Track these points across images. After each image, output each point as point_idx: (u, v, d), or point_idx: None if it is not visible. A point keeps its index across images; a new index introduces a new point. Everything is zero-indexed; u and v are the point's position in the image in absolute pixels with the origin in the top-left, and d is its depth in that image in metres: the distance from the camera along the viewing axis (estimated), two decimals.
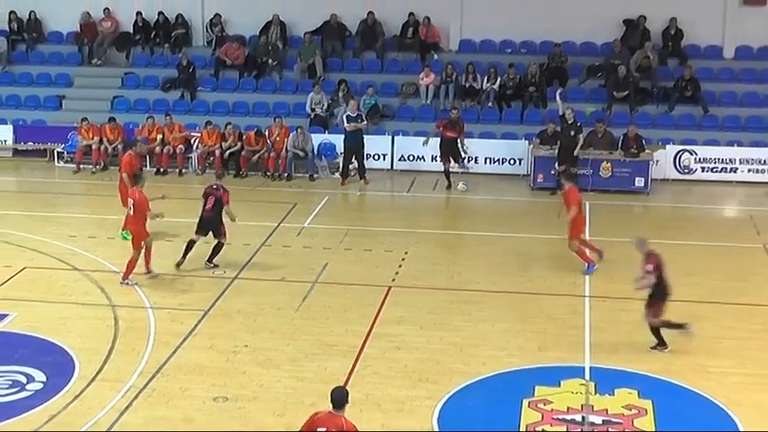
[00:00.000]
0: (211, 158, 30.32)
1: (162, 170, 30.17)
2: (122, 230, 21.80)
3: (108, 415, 15.60)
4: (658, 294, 17.53)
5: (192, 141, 30.75)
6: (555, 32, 33.08)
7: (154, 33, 35.09)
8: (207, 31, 34.95)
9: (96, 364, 17.31)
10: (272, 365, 17.30)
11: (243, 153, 30.00)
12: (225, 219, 21.58)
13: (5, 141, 32.28)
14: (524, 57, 33.22)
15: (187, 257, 21.52)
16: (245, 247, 23.08)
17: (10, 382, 16.63)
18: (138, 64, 34.77)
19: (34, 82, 34.14)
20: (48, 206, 26.76)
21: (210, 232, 21.68)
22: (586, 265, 21.71)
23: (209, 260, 21.75)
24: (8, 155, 32.15)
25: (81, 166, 30.57)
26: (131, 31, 35.17)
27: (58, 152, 31.32)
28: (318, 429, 12.07)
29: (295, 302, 20.09)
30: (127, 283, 20.60)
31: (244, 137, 30.24)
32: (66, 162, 31.03)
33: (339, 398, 12.25)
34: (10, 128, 32.33)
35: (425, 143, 29.05)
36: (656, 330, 17.73)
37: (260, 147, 29.82)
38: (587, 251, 21.98)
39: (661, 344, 17.75)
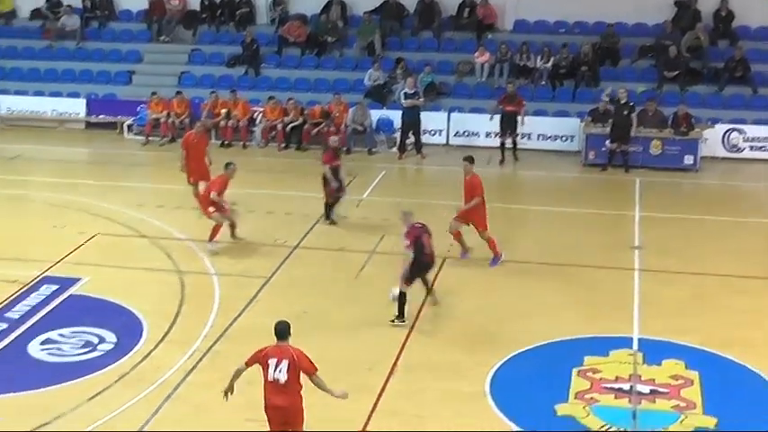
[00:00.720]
0: (273, 132, 30.42)
1: (226, 143, 30.29)
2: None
3: (175, 375, 15.77)
4: (414, 265, 17.46)
5: (256, 116, 30.84)
6: (607, 13, 32.71)
7: (219, 12, 35.18)
8: (270, 9, 34.98)
9: (164, 326, 17.48)
10: (331, 331, 17.37)
11: (305, 127, 30.07)
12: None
13: (78, 114, 32.57)
14: (577, 37, 32.91)
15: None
16: (305, 217, 23.14)
17: (82, 342, 16.87)
18: (205, 41, 34.87)
19: (106, 58, 34.34)
20: (118, 176, 26.99)
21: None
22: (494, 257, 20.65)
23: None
24: (81, 127, 32.44)
25: (149, 138, 30.79)
26: (198, 10, 35.28)
27: (128, 125, 31.55)
28: (269, 360, 12.40)
29: (353, 272, 20.15)
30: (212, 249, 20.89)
31: (305, 111, 30.31)
32: (136, 134, 31.26)
33: (283, 329, 12.69)
34: (83, 101, 32.62)
35: (492, 118, 29.09)
36: (401, 298, 17.50)
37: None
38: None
39: (400, 317, 17.50)
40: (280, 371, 12.43)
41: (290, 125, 30.15)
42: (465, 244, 20.77)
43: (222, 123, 30.42)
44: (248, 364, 12.75)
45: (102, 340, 16.95)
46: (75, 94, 32.90)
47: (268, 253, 21.00)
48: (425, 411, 14.72)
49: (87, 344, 16.85)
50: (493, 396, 15.10)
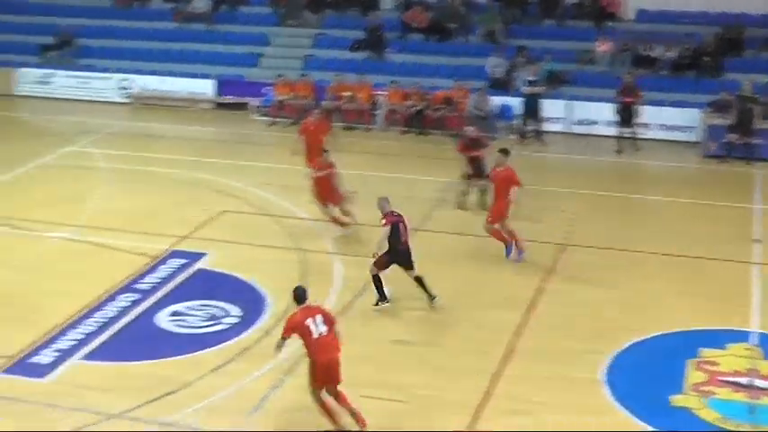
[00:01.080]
0: (395, 116, 30.48)
1: (349, 126, 30.45)
2: None
3: (296, 351, 15.91)
4: (390, 252, 17.29)
5: (378, 100, 30.92)
6: (732, 3, 32.00)
7: None
8: None
9: (285, 302, 17.62)
10: (451, 314, 17.39)
11: (426, 112, 30.07)
12: None
13: (207, 94, 33.08)
14: (700, 27, 32.20)
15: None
16: (425, 201, 23.15)
17: (208, 315, 17.19)
18: (330, 25, 35.07)
19: (234, 40, 34.78)
20: (244, 156, 27.33)
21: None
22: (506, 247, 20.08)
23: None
24: (209, 107, 32.94)
25: (275, 119, 31.11)
26: None
27: (255, 106, 31.92)
28: (307, 322, 13.22)
29: (472, 256, 20.10)
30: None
31: (427, 96, 30.30)
32: (262, 115, 31.60)
33: (303, 293, 13.73)
34: (212, 82, 33.11)
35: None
36: (376, 281, 17.44)
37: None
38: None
39: (381, 299, 17.47)
40: (319, 326, 13.21)
41: (413, 109, 30.18)
42: (511, 237, 20.12)
43: (346, 106, 30.59)
44: (286, 336, 13.37)
45: (227, 314, 17.24)
46: (204, 75, 33.41)
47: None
48: (539, 396, 14.62)
49: (213, 317, 17.15)
50: (608, 384, 14.93)
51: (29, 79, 34.58)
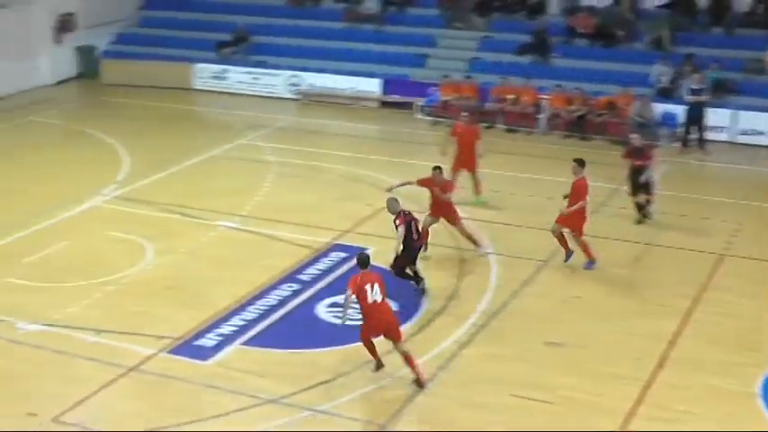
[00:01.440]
0: (558, 120, 30.19)
1: (512, 128, 30.30)
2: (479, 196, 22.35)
3: (450, 348, 15.98)
4: (406, 249, 17.51)
5: (541, 103, 30.68)
6: None
7: (511, 0, 35.18)
8: (561, 0, 34.68)
9: (442, 300, 17.74)
10: (603, 318, 17.17)
11: (588, 117, 29.69)
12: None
13: (374, 93, 33.39)
14: None
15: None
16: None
17: None
18: (496, 29, 34.92)
19: (402, 41, 34.94)
20: (407, 154, 27.40)
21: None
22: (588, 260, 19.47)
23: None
24: (375, 105, 33.23)
25: (439, 119, 31.17)
26: None
27: (420, 105, 32.07)
28: (365, 287, 14.49)
29: (629, 262, 19.81)
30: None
31: (590, 101, 29.91)
32: (426, 115, 31.71)
33: (366, 258, 15.13)
34: (378, 81, 33.40)
35: None
36: (404, 276, 17.83)
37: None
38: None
39: (417, 280, 17.90)
40: (376, 293, 14.53)
41: (575, 114, 29.85)
42: (568, 246, 19.54)
43: (509, 109, 30.46)
44: (354, 292, 14.51)
45: None
46: (371, 75, 33.70)
47: (546, 237, 20.84)
48: (692, 407, 14.32)
49: None
50: (763, 398, 14.50)
51: (205, 74, 35.57)
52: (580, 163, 19.57)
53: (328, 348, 15.96)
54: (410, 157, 26.97)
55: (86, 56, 36.82)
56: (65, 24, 36.17)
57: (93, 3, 36.67)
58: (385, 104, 33.10)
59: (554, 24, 33.93)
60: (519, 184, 23.13)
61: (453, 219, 19.72)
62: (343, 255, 19.73)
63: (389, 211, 17.82)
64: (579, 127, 29.75)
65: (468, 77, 31.85)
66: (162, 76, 35.29)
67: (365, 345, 14.97)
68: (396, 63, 34.15)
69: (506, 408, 14.28)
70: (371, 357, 15.03)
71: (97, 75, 36.51)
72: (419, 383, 14.76)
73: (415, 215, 18.10)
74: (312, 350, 15.91)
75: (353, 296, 14.53)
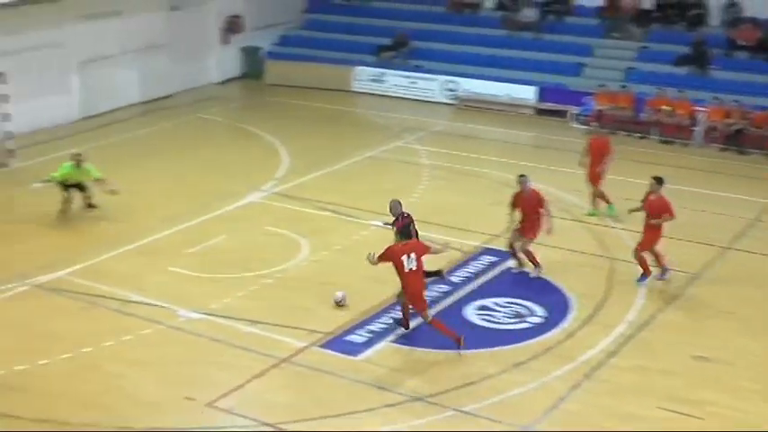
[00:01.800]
0: (715, 133, 29.45)
1: (667, 140, 29.71)
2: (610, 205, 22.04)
3: (597, 356, 15.77)
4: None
5: (698, 115, 29.98)
6: None
7: (671, 11, 34.50)
8: (722, 12, 33.84)
9: (590, 308, 17.55)
10: (752, 334, 16.72)
11: (747, 131, 28.87)
12: None
13: (529, 100, 33.18)
14: None
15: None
16: (738, 220, 22.28)
17: (514, 313, 17.31)
18: (654, 39, 34.30)
19: (559, 50, 34.64)
20: (560, 161, 27.11)
21: None
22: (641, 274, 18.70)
23: None
24: (530, 113, 33.01)
25: (593, 128, 30.70)
26: (650, 9, 34.79)
27: (575, 114, 31.72)
28: (402, 257, 15.51)
29: None
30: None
31: (749, 115, 29.08)
32: (581, 123, 31.33)
33: (409, 232, 16.26)
34: (534, 89, 33.18)
35: None
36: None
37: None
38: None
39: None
40: (411, 262, 15.53)
41: (733, 127, 29.05)
42: (663, 262, 18.91)
43: (665, 120, 29.88)
44: (381, 260, 15.62)
45: (531, 313, 17.29)
46: (527, 82, 33.51)
47: (698, 250, 20.40)
48: None
49: (518, 315, 17.26)
50: None
51: (364, 77, 35.94)
52: (658, 181, 18.89)
53: (475, 350, 15.94)
54: (562, 164, 26.68)
55: (251, 56, 37.65)
56: (232, 26, 37.07)
57: (259, 5, 37.53)
58: (540, 112, 32.87)
59: (713, 36, 33.13)
60: (673, 196, 22.60)
61: (530, 233, 19.06)
62: (492, 259, 19.70)
63: (391, 212, 17.68)
64: (736, 140, 28.97)
65: (624, 87, 31.38)
66: (322, 77, 35.85)
67: (401, 305, 16.43)
68: (552, 71, 33.89)
69: (653, 420, 14.01)
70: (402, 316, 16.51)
71: (261, 75, 37.30)
72: (458, 341, 15.72)
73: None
74: (459, 351, 15.89)
75: (378, 262, 15.68)
